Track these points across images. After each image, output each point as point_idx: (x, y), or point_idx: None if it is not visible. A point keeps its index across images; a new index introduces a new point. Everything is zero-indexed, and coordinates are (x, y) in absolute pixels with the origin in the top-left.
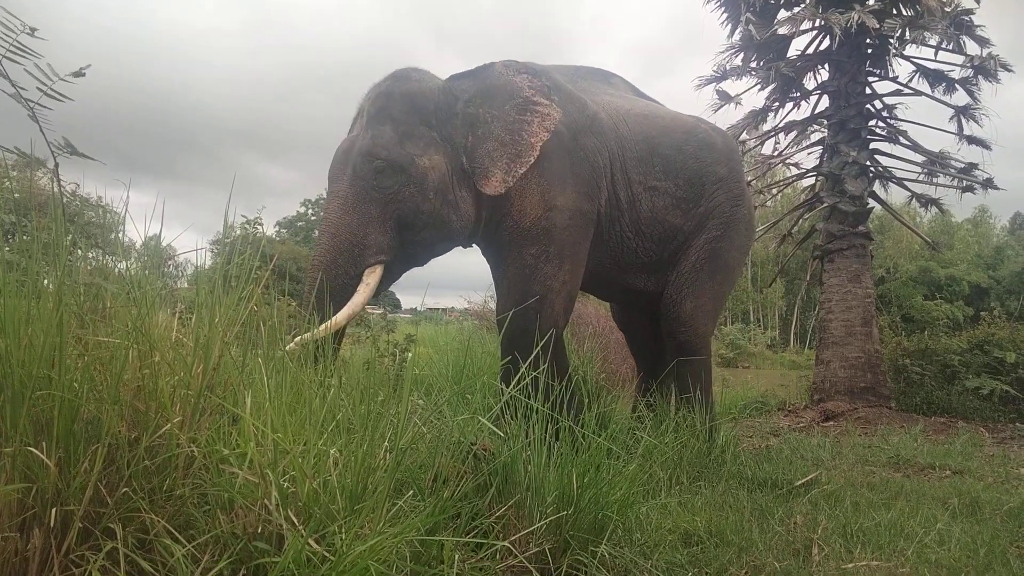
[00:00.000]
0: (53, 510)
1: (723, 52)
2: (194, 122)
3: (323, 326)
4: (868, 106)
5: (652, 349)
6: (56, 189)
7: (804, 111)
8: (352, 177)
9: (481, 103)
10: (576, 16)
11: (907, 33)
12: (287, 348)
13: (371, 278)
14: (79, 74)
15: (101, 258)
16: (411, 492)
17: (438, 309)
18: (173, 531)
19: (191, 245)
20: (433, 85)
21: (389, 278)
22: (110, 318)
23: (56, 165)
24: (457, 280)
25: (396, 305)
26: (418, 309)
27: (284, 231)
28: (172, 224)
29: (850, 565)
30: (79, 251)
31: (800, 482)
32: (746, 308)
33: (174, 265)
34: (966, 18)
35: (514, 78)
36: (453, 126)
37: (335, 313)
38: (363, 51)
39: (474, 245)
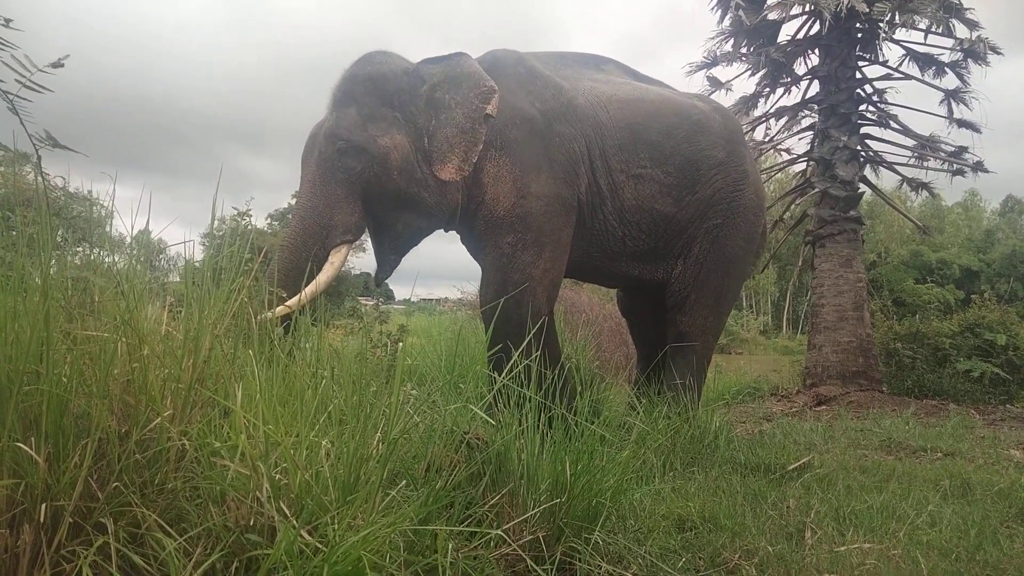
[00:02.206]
0: (43, 506)
1: (713, 38)
2: (175, 115)
3: (286, 304)
4: (858, 90)
5: (651, 337)
6: (40, 182)
7: (795, 96)
8: (318, 160)
9: (448, 89)
10: (559, 6)
11: (897, 17)
12: (269, 314)
13: (336, 257)
14: (58, 65)
15: (89, 252)
16: (404, 482)
17: (431, 300)
18: (165, 525)
19: (178, 238)
20: (396, 67)
21: (387, 268)
22: (99, 312)
23: (39, 158)
24: (450, 270)
25: (389, 296)
26: (411, 300)
27: (276, 223)
28: (158, 217)
29: (843, 548)
30: (67, 244)
31: (793, 466)
32: (739, 294)
33: (165, 259)
34: (955, 1)
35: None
36: (417, 107)
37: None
38: (346, 43)
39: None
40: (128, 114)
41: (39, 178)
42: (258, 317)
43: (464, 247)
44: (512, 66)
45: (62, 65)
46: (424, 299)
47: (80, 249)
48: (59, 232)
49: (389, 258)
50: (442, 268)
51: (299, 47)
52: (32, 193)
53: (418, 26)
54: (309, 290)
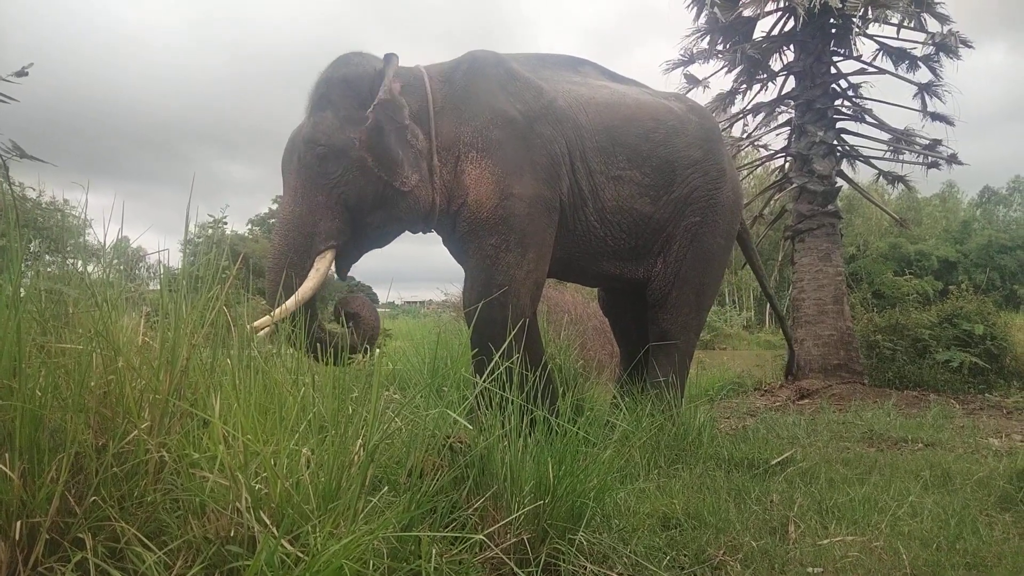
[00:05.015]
0: (18, 522)
1: (689, 35)
2: (144, 120)
3: (270, 315)
4: (833, 86)
5: (634, 336)
6: (8, 192)
7: (771, 92)
8: (299, 166)
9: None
10: (526, 2)
11: (869, 12)
12: (250, 327)
13: (321, 264)
14: (22, 74)
15: (62, 262)
16: (386, 488)
17: (415, 302)
18: (144, 539)
19: (154, 245)
20: (371, 68)
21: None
22: (73, 324)
23: (6, 169)
24: (434, 272)
25: (372, 299)
26: (395, 303)
27: (256, 228)
28: (133, 225)
29: (826, 541)
30: (39, 255)
31: (776, 461)
32: (721, 290)
33: (145, 267)
34: None
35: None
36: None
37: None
38: (312, 41)
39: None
40: (95, 120)
41: (8, 188)
42: (239, 326)
43: (446, 249)
44: (492, 67)
45: (26, 73)
46: (408, 302)
47: (54, 260)
48: (33, 243)
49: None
50: (426, 270)
51: (265, 46)
52: (2, 205)
53: (385, 24)
54: (291, 301)
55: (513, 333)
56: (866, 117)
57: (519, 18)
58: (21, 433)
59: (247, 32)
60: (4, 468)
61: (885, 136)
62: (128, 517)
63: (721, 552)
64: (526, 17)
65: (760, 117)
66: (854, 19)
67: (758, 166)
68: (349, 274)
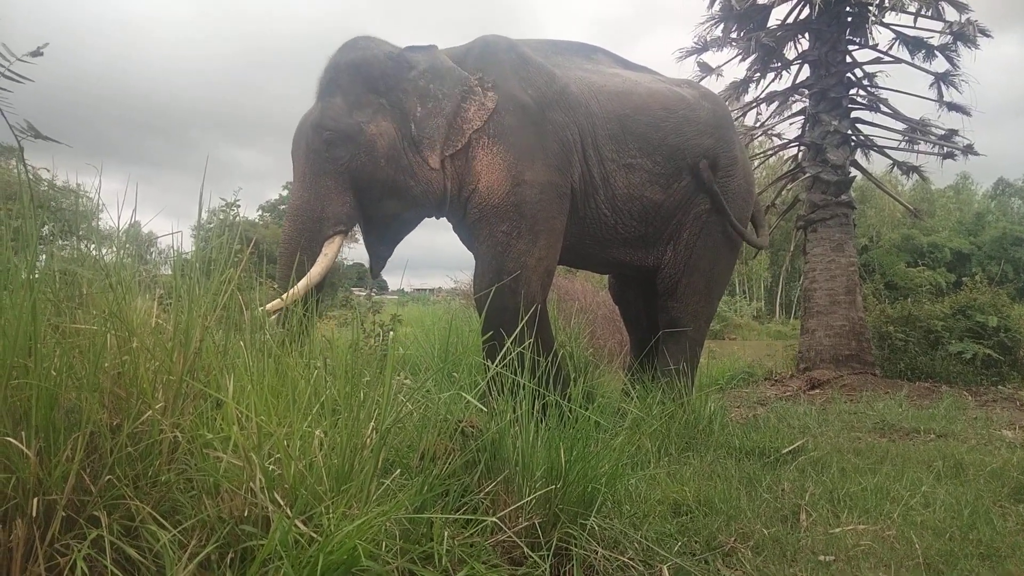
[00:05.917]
0: (35, 500)
1: (703, 23)
2: (156, 108)
3: (278, 299)
4: (849, 75)
5: (644, 323)
6: (23, 173)
7: (785, 81)
8: (307, 151)
9: (432, 79)
10: None
11: (886, 0)
12: (262, 310)
13: (329, 249)
14: (37, 54)
15: (76, 245)
16: (398, 471)
17: (425, 289)
18: (159, 517)
19: (166, 230)
20: (380, 52)
21: (379, 260)
22: (87, 305)
23: (21, 149)
24: (444, 259)
25: (382, 286)
26: (404, 290)
27: (268, 215)
28: (144, 209)
29: (838, 529)
30: (53, 238)
31: (787, 450)
32: (732, 280)
33: (156, 251)
34: None
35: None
36: (403, 92)
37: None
38: (319, 29)
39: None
40: (107, 106)
41: (23, 169)
42: (252, 310)
43: (456, 235)
44: (504, 52)
45: (41, 54)
46: (418, 289)
47: (68, 243)
48: (46, 226)
49: (379, 250)
50: (436, 257)
51: (272, 36)
52: (17, 187)
53: (388, 12)
54: (301, 284)
55: (524, 319)
56: (881, 106)
57: (525, 6)
58: (37, 412)
59: (257, 18)
60: (21, 446)
61: (900, 126)
62: (143, 496)
63: (732, 539)
64: (532, 5)
65: (774, 106)
66: (870, 7)
67: (771, 155)
68: (354, 263)
